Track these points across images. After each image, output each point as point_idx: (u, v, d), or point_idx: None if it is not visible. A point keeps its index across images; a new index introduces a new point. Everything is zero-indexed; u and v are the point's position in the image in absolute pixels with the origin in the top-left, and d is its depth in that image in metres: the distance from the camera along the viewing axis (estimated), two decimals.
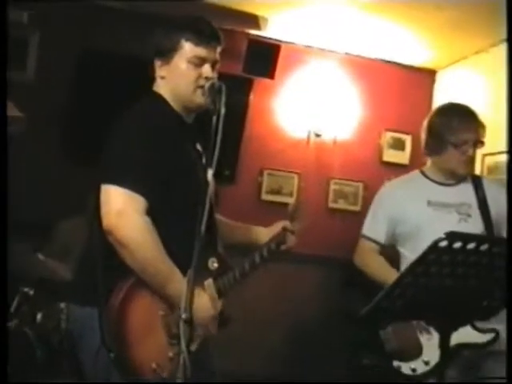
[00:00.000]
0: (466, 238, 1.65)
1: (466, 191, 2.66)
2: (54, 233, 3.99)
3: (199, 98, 2.08)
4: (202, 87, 2.07)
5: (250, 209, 4.93)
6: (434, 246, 1.61)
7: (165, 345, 1.88)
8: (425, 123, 2.78)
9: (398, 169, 5.36)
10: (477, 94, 4.99)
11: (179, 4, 4.22)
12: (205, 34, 2.09)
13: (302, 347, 4.94)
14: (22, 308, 3.39)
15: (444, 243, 1.61)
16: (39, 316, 3.45)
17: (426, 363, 2.48)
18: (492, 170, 4.66)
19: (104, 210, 1.87)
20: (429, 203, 2.64)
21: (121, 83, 4.13)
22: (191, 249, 1.75)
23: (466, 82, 5.17)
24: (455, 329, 1.89)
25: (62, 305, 3.46)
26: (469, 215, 2.61)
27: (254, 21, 4.75)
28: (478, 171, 4.80)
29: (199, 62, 2.08)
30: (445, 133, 2.63)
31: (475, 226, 2.56)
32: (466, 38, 4.75)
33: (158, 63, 2.13)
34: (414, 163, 5.40)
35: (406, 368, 2.53)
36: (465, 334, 2.41)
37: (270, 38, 4.99)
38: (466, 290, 1.80)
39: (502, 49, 4.71)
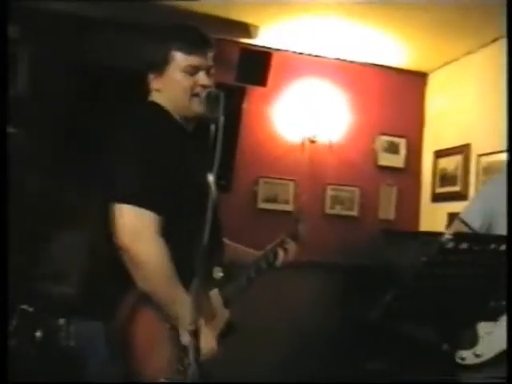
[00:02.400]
0: (472, 238, 1.64)
1: None
2: (49, 248, 3.95)
3: (196, 107, 2.06)
4: (198, 95, 2.04)
5: (247, 218, 4.91)
6: (441, 248, 1.60)
7: (173, 358, 1.85)
8: None
9: (394, 172, 5.39)
10: (468, 95, 5.00)
11: (168, 14, 4.22)
12: (195, 42, 2.07)
13: (304, 354, 4.91)
14: (21, 326, 3.36)
15: (451, 244, 1.59)
16: (38, 334, 3.42)
17: (477, 356, 2.47)
18: (487, 170, 4.67)
19: (118, 229, 1.84)
20: None
21: (114, 96, 4.10)
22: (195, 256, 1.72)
23: (457, 84, 5.18)
24: (462, 331, 1.87)
25: (62, 321, 3.43)
26: None
27: (244, 29, 4.75)
28: (473, 172, 4.82)
29: (193, 70, 2.05)
30: None
31: None
32: (455, 40, 4.76)
33: (151, 76, 2.10)
34: (410, 166, 5.43)
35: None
36: None
37: (261, 46, 4.99)
38: (472, 291, 1.79)
39: (493, 49, 4.74)
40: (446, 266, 1.65)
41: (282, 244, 2.26)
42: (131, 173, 1.90)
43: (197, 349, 1.61)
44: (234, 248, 2.38)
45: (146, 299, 1.85)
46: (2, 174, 1.90)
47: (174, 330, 1.86)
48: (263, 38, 4.92)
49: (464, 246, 1.62)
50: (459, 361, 2.50)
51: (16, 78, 4.52)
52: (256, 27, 4.75)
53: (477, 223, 2.70)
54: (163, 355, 1.85)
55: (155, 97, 2.11)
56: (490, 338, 2.48)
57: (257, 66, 4.81)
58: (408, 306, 1.81)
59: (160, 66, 2.06)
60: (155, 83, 2.09)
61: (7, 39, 2.10)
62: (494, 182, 2.92)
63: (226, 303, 2.02)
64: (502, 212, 2.60)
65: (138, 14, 4.41)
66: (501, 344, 2.43)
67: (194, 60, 2.04)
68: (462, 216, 2.81)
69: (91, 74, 4.49)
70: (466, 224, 2.73)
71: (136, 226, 1.82)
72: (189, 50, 2.04)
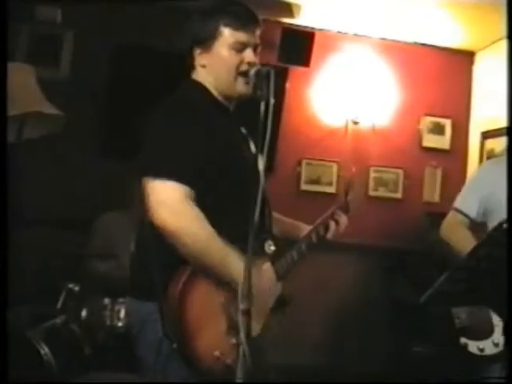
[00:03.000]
0: None
1: None
2: (96, 228, 4.00)
3: (241, 86, 2.03)
4: (243, 74, 2.01)
5: (290, 199, 4.88)
6: (498, 228, 1.55)
7: (227, 332, 1.86)
8: None
9: (439, 154, 5.29)
10: None
11: None
12: (243, 18, 2.03)
13: (347, 336, 4.90)
14: (68, 304, 3.41)
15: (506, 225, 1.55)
16: (84, 312, 3.47)
17: (496, 345, 2.43)
18: None
19: (150, 204, 1.85)
20: None
21: (157, 77, 4.09)
22: (246, 233, 1.71)
23: (506, 62, 5.03)
24: None
25: (107, 300, 3.48)
26: None
27: (287, 9, 4.69)
28: None
29: (241, 47, 2.02)
30: None
31: None
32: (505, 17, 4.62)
33: (197, 51, 2.07)
34: (455, 148, 5.32)
35: (473, 347, 2.49)
36: None
37: (303, 26, 4.92)
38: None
39: None
40: (504, 248, 1.59)
41: (332, 216, 2.21)
42: (161, 148, 1.90)
43: (248, 328, 1.59)
44: (284, 221, 2.36)
45: (198, 274, 1.85)
46: (2, 173, 1.90)
47: (228, 304, 1.87)
48: (306, 18, 4.86)
49: None
50: (478, 352, 2.46)
51: (60, 61, 4.56)
52: (298, 6, 4.69)
53: (473, 211, 2.70)
54: (217, 330, 1.86)
55: (199, 74, 2.09)
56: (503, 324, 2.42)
57: (300, 46, 4.77)
58: (461, 288, 1.76)
59: (207, 40, 2.04)
60: (201, 59, 2.07)
61: (7, 38, 2.11)
62: (486, 168, 2.88)
63: (279, 277, 2.02)
64: (497, 197, 2.57)
65: None
66: None
67: (241, 36, 2.02)
68: (456, 206, 2.78)
69: (134, 55, 4.51)
70: (462, 213, 2.71)
71: (165, 199, 1.83)
72: (237, 25, 2.01)
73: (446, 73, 5.36)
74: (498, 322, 2.45)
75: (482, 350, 2.46)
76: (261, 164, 1.80)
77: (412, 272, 4.58)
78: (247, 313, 1.58)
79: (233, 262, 1.84)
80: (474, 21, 4.75)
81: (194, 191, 1.87)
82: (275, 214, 2.32)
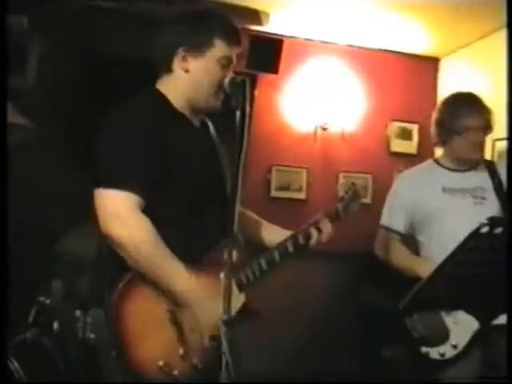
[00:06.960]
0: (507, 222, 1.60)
1: (480, 176, 2.68)
2: (64, 242, 3.93)
3: (215, 101, 2.04)
4: (222, 89, 2.02)
5: (260, 206, 4.83)
6: (476, 233, 1.56)
7: (174, 342, 1.82)
8: (433, 114, 2.82)
9: (407, 159, 5.33)
10: (481, 79, 4.95)
11: (180, 3, 4.17)
12: (233, 35, 2.06)
13: (319, 343, 4.90)
14: (40, 318, 3.35)
15: (485, 229, 1.56)
16: (55, 325, 3.40)
17: (455, 347, 2.49)
18: (501, 155, 4.63)
19: (98, 214, 1.85)
20: (444, 190, 2.67)
21: (125, 86, 4.05)
22: (201, 243, 1.77)
23: (469, 69, 5.12)
24: (496, 316, 1.84)
25: (78, 313, 3.42)
26: (484, 198, 2.61)
27: (255, 16, 4.70)
28: (488, 156, 4.77)
29: (227, 63, 2.04)
30: (449, 121, 2.71)
31: (491, 208, 2.52)
32: (469, 24, 4.70)
33: (181, 54, 2.03)
34: (422, 152, 5.38)
35: (434, 353, 2.53)
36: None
37: (272, 33, 4.94)
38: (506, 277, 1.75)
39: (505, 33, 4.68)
40: (481, 252, 1.61)
41: (315, 224, 2.15)
42: (109, 158, 1.89)
43: (231, 339, 1.56)
44: (258, 222, 2.36)
45: (139, 281, 1.84)
46: (2, 174, 1.88)
47: (175, 312, 1.84)
48: (274, 25, 4.87)
49: (499, 230, 1.59)
50: (439, 357, 2.51)
51: (25, 68, 4.49)
52: (267, 14, 4.70)
53: (400, 226, 2.74)
54: (162, 338, 1.82)
55: (176, 78, 2.05)
56: (458, 326, 2.47)
57: (268, 54, 4.77)
58: (441, 294, 1.78)
59: (198, 47, 2.02)
60: (185, 63, 2.03)
61: (6, 33, 2.08)
62: (403, 181, 2.95)
63: (243, 287, 1.98)
64: (424, 210, 2.63)
65: (147, 3, 4.36)
66: (469, 329, 2.42)
67: (230, 52, 2.04)
68: (384, 223, 2.83)
69: (99, 64, 4.45)
70: (391, 230, 2.76)
71: (113, 209, 1.81)
72: (229, 41, 2.03)
73: (411, 79, 5.44)
74: (452, 324, 2.49)
75: (442, 355, 2.50)
76: (240, 175, 1.77)
77: (382, 276, 4.62)
78: (229, 323, 1.56)
79: (177, 274, 1.83)
80: (438, 28, 4.83)
81: (143, 200, 1.85)
82: (251, 214, 2.30)
